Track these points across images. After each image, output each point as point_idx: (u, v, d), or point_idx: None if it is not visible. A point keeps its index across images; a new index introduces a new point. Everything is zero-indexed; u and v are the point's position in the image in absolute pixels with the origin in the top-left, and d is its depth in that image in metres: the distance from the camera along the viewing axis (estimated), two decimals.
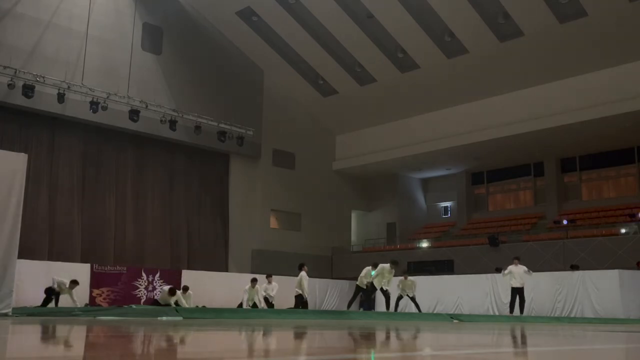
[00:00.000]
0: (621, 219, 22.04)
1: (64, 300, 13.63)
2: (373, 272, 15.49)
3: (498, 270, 17.11)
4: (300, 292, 15.32)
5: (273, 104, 26.00)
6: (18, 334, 4.84)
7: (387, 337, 5.57)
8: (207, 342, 4.51)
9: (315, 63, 24.54)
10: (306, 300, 15.48)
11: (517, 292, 15.32)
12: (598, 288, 15.70)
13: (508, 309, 15.60)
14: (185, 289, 15.52)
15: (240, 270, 22.43)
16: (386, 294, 15.53)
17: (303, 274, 15.47)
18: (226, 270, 22.50)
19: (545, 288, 16.54)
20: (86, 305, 14.51)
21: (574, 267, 17.26)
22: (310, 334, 5.91)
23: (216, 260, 23.27)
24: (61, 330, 5.54)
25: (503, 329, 8.08)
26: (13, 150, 10.59)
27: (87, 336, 4.79)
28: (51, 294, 13.61)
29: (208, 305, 16.23)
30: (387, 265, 15.22)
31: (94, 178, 20.86)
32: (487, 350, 3.94)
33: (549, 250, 21.51)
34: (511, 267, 15.54)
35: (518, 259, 15.83)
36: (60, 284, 13.72)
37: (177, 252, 22.40)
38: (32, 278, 13.89)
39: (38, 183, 19.20)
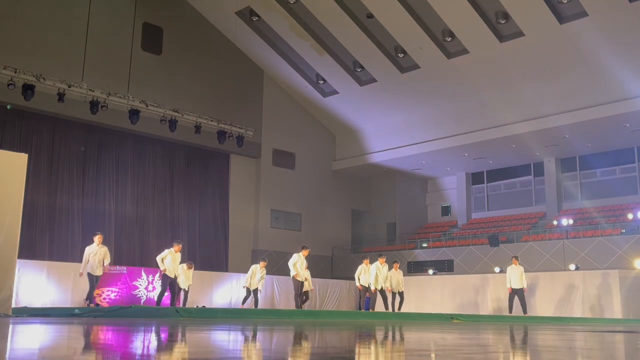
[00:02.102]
0: (621, 219, 22.05)
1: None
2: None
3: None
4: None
5: (273, 104, 26.01)
6: (18, 335, 4.84)
7: (386, 337, 5.57)
8: (209, 343, 4.51)
9: (316, 63, 24.55)
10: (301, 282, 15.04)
11: (515, 293, 15.28)
12: (598, 288, 15.71)
13: (508, 310, 15.59)
14: (190, 266, 15.54)
15: (240, 270, 22.42)
16: (383, 294, 15.54)
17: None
18: (226, 270, 22.49)
19: (545, 288, 16.54)
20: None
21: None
22: (310, 334, 5.91)
23: (216, 260, 23.28)
24: (61, 330, 5.54)
25: (503, 328, 8.09)
26: (13, 150, 10.59)
27: (86, 336, 4.79)
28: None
29: (208, 306, 16.24)
30: (376, 262, 15.40)
31: (94, 178, 20.86)
32: (487, 350, 3.94)
33: (549, 250, 21.52)
34: (509, 268, 15.52)
35: (516, 259, 15.78)
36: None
37: None
38: (32, 278, 13.88)
39: (38, 183, 19.20)
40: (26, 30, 19.16)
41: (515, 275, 15.34)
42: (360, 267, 15.84)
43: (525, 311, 15.28)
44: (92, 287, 13.26)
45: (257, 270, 16.05)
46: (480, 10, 19.81)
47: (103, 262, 13.31)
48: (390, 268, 16.38)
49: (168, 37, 22.76)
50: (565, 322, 13.27)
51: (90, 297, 13.25)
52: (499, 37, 20.52)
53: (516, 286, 15.24)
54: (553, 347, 4.54)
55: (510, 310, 15.32)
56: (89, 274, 13.18)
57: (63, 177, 20.18)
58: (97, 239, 13.44)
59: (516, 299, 15.27)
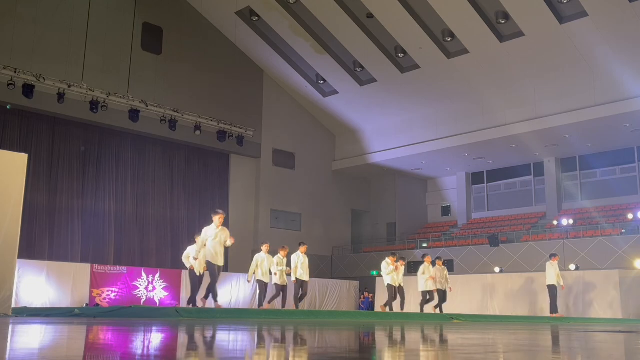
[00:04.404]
0: (621, 219, 22.06)
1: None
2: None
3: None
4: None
5: (273, 104, 26.02)
6: (18, 335, 4.84)
7: (386, 337, 5.57)
8: (209, 343, 4.52)
9: (316, 63, 24.56)
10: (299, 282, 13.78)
11: (553, 290, 14.93)
12: (598, 288, 15.69)
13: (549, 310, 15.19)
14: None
15: (240, 270, 22.41)
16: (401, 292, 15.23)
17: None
18: (226, 271, 22.47)
19: (545, 288, 16.51)
20: (86, 305, 14.50)
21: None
22: (310, 334, 5.91)
23: None
24: (61, 330, 5.54)
25: (502, 329, 8.08)
26: (13, 150, 10.58)
27: (87, 336, 4.79)
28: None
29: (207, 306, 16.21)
30: (387, 260, 15.19)
31: (94, 178, 20.88)
32: (486, 350, 3.94)
33: (549, 250, 21.51)
34: (548, 264, 15.16)
35: (555, 256, 15.36)
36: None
37: (177, 252, 22.37)
38: (32, 278, 13.88)
39: (38, 183, 19.22)
40: (26, 30, 19.17)
41: (553, 273, 14.97)
42: (422, 267, 15.67)
43: (551, 310, 14.89)
44: (215, 279, 10.91)
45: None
46: (480, 10, 19.82)
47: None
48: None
49: (168, 37, 22.78)
50: (565, 322, 13.26)
51: (213, 292, 11.08)
52: (499, 37, 20.52)
53: (552, 282, 14.90)
54: (553, 347, 4.54)
55: (552, 311, 14.93)
56: (209, 263, 10.79)
57: (63, 177, 20.19)
58: (219, 218, 10.84)
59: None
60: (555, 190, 25.47)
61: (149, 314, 10.51)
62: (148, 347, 3.87)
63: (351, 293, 20.65)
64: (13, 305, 9.10)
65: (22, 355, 3.04)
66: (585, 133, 22.31)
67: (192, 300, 11.86)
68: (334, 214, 28.01)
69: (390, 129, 26.18)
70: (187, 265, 11.98)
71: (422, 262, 16.36)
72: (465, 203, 28.34)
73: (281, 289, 13.93)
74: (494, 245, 22.90)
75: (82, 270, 15.24)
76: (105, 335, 5.01)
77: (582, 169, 25.47)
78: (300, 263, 14.13)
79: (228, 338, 5.04)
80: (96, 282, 15.27)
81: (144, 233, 21.78)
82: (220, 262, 10.91)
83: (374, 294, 20.78)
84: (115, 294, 15.41)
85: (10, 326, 5.87)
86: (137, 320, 8.45)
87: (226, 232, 11.03)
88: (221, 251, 10.85)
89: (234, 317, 11.30)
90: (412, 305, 16.98)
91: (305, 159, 27.17)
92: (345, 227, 28.81)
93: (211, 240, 10.76)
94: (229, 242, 11.05)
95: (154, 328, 5.98)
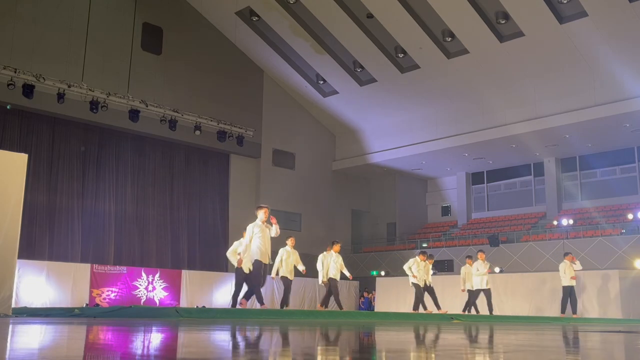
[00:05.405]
0: (621, 219, 22.06)
1: None
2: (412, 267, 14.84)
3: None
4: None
5: (273, 104, 26.02)
6: (18, 335, 4.84)
7: (385, 337, 5.57)
8: (209, 343, 4.52)
9: (316, 63, 24.55)
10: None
11: (566, 291, 14.80)
12: (598, 288, 15.69)
13: (561, 310, 15.05)
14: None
15: None
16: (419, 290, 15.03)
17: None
18: (226, 271, 22.48)
19: (545, 288, 16.53)
20: (85, 305, 14.51)
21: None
22: (310, 334, 5.91)
23: (216, 260, 23.27)
24: (61, 330, 5.54)
25: (502, 329, 8.08)
26: (13, 150, 10.58)
27: (86, 336, 4.79)
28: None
29: (207, 306, 16.25)
30: (416, 258, 14.95)
31: (94, 178, 20.88)
32: (486, 350, 3.95)
33: (549, 250, 21.53)
34: (561, 265, 15.02)
35: (568, 255, 15.21)
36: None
37: (177, 252, 22.41)
38: (32, 278, 13.89)
39: (38, 183, 19.22)
40: (26, 30, 19.17)
41: (568, 273, 14.84)
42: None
43: (574, 311, 14.73)
44: (259, 280, 10.28)
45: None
46: (480, 10, 19.82)
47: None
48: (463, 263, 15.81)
49: (168, 37, 22.78)
50: (565, 322, 13.26)
51: (258, 295, 10.53)
52: (499, 37, 20.52)
53: (566, 283, 14.81)
54: (553, 347, 4.54)
55: (562, 311, 14.80)
56: (258, 262, 10.28)
57: (63, 177, 20.19)
58: (264, 212, 10.61)
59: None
60: (555, 190, 25.48)
61: (149, 314, 10.51)
62: (148, 347, 3.87)
63: (351, 293, 20.66)
64: (13, 305, 9.10)
65: (22, 355, 3.04)
66: (585, 133, 22.32)
67: (234, 299, 11.42)
68: (334, 214, 28.01)
69: (390, 129, 26.18)
70: (234, 262, 11.47)
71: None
72: (465, 203, 28.35)
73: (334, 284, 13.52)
74: (494, 245, 22.91)
75: (82, 270, 15.25)
76: (105, 335, 5.01)
77: (582, 169, 25.48)
78: (332, 262, 13.67)
79: (227, 338, 5.04)
80: (96, 282, 15.28)
81: (144, 233, 21.79)
82: (267, 259, 10.44)
83: (374, 294, 20.77)
84: (115, 294, 15.42)
85: (10, 326, 5.87)
86: (137, 320, 8.45)
87: (275, 228, 10.66)
88: (269, 248, 10.37)
89: (234, 317, 11.29)
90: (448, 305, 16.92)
91: (305, 159, 27.17)
92: (345, 227, 28.81)
93: (258, 238, 10.29)
94: (274, 232, 10.56)
95: (154, 328, 5.98)
